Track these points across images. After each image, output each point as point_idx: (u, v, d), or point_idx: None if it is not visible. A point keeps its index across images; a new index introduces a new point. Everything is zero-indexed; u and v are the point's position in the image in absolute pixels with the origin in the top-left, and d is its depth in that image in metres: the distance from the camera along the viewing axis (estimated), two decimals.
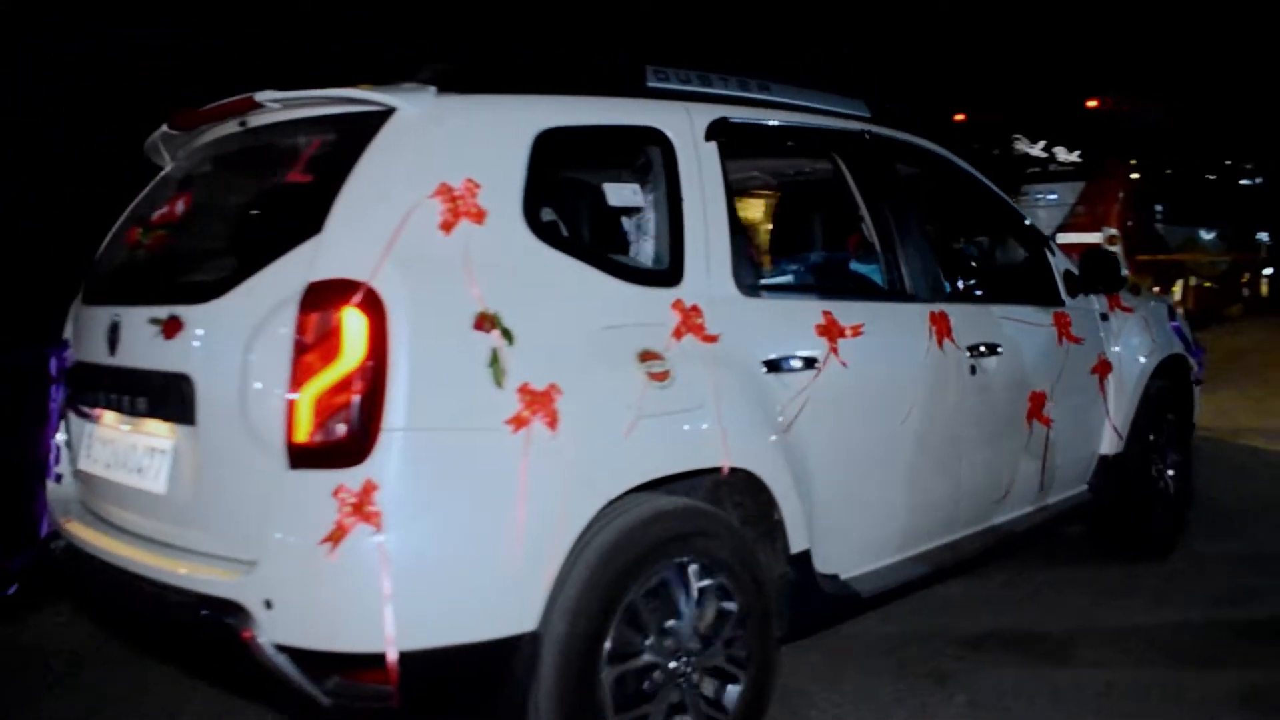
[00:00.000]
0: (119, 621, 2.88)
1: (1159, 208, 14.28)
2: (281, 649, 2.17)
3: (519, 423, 2.23)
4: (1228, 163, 17.24)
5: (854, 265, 3.70)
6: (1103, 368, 4.22)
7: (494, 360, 2.24)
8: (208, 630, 2.27)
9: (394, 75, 2.82)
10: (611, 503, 2.38)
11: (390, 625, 2.09)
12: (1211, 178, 16.62)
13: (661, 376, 2.51)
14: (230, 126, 2.81)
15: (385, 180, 2.30)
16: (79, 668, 3.55)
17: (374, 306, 2.14)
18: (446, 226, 2.29)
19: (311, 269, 2.20)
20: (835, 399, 2.97)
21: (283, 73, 3.87)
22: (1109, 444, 4.30)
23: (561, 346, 2.37)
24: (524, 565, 2.24)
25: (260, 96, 2.55)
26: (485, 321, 2.25)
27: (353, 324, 2.14)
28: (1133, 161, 13.46)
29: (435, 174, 2.32)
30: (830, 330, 3.00)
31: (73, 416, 2.95)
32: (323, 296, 2.16)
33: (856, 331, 3.05)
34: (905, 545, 3.38)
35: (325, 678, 2.18)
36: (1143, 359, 4.41)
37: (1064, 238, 11.43)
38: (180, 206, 2.73)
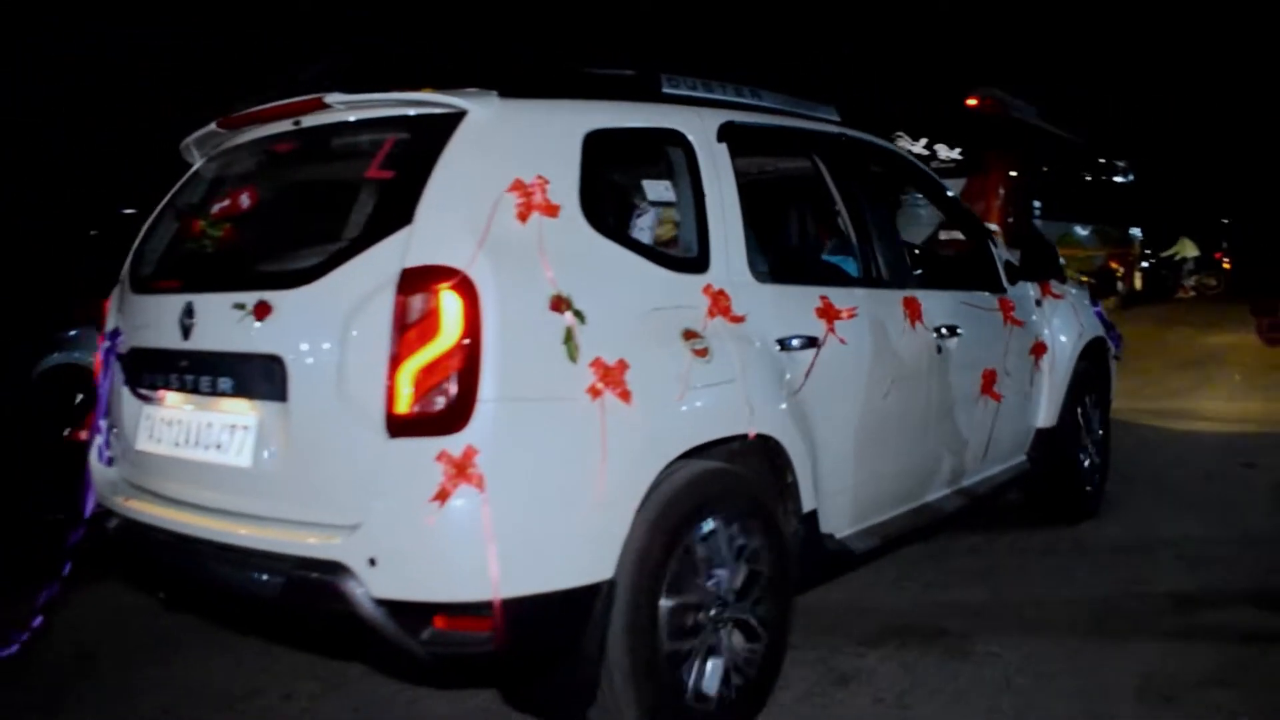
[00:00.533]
0: (187, 593, 3.02)
1: (1037, 204, 15.13)
2: (380, 603, 2.38)
3: (595, 393, 2.50)
4: (1102, 160, 18.35)
5: (838, 255, 4.05)
6: (1039, 349, 4.68)
7: (568, 338, 2.50)
8: (304, 591, 2.47)
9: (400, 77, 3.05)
10: (669, 465, 2.67)
11: (495, 574, 2.34)
12: (1087, 176, 17.65)
13: (703, 353, 2.80)
14: (283, 125, 2.98)
15: (468, 175, 2.54)
16: (109, 646, 3.67)
17: (468, 290, 2.38)
18: (522, 217, 2.54)
19: (406, 256, 2.42)
20: (833, 374, 3.31)
21: (283, 73, 4.03)
22: (1045, 418, 4.76)
23: (623, 326, 2.64)
24: (604, 520, 2.51)
25: (329, 98, 2.74)
26: (560, 304, 2.50)
27: (450, 305, 2.37)
28: (1011, 159, 14.19)
29: (510, 170, 2.57)
30: (828, 312, 3.34)
31: (127, 400, 3.07)
32: (420, 280, 2.39)
33: (851, 314, 3.40)
34: (887, 507, 3.74)
35: (421, 630, 2.40)
36: (1072, 341, 4.89)
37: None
38: (245, 200, 2.89)
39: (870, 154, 4.11)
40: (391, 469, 2.39)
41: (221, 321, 2.67)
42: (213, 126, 3.13)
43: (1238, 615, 3.92)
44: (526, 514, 2.41)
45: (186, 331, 2.78)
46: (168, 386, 2.90)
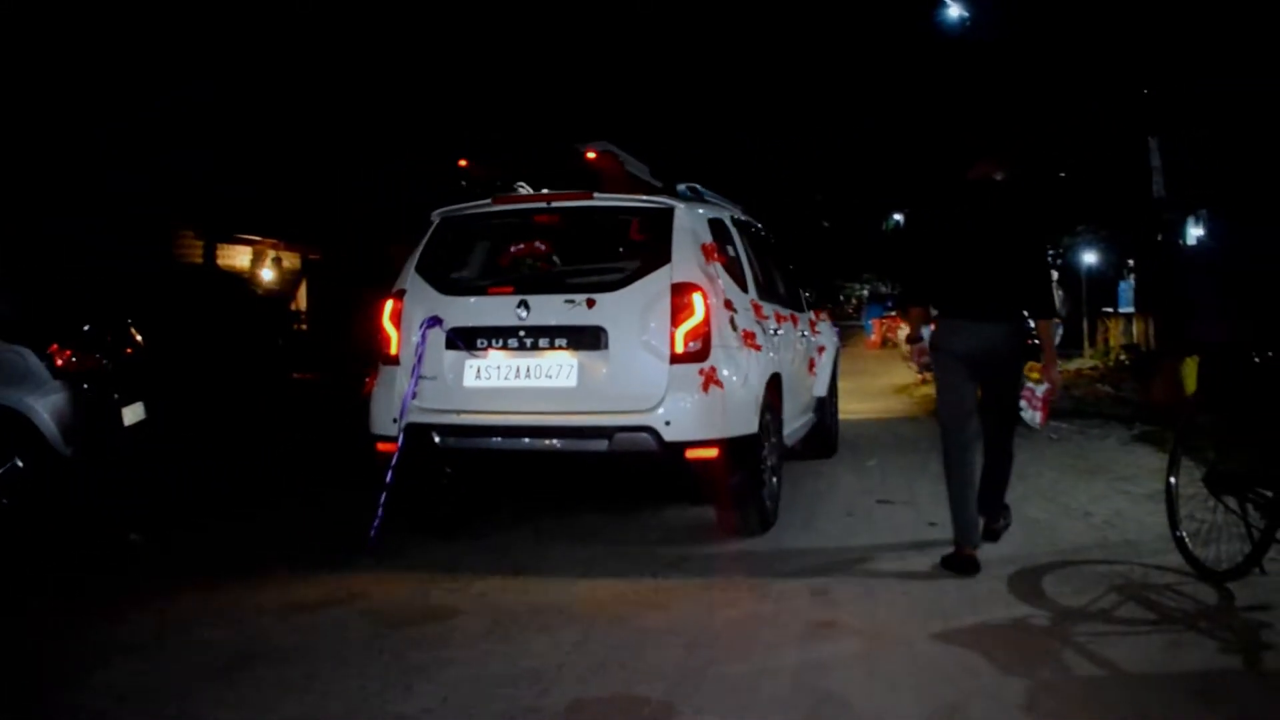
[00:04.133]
0: (519, 461, 5.27)
1: None
2: (666, 444, 4.97)
3: (746, 346, 5.29)
4: None
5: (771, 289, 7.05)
6: (821, 349, 8.01)
7: (732, 320, 5.27)
8: (624, 442, 4.98)
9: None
10: (766, 381, 5.50)
11: (725, 426, 5.05)
12: None
13: (764, 328, 5.67)
14: (539, 204, 5.43)
15: (688, 239, 5.23)
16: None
17: (703, 294, 5.09)
18: (708, 260, 5.28)
19: (672, 277, 5.07)
20: (782, 348, 6.30)
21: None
22: (822, 390, 8.08)
23: (746, 314, 5.46)
24: (754, 405, 5.32)
25: (598, 196, 5.29)
26: (728, 303, 5.27)
27: (698, 301, 5.07)
28: None
29: (698, 237, 5.30)
30: (779, 318, 6.34)
31: (449, 358, 5.28)
32: (683, 289, 5.06)
33: (786, 319, 6.44)
34: (791, 423, 6.76)
35: (684, 456, 5.02)
36: (833, 345, 8.32)
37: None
38: (540, 246, 5.32)
39: (761, 232, 7.20)
40: (675, 379, 5.02)
41: (555, 309, 5.12)
42: (489, 201, 5.49)
43: None
44: (732, 399, 5.15)
45: (522, 316, 5.14)
46: (499, 347, 5.21)
